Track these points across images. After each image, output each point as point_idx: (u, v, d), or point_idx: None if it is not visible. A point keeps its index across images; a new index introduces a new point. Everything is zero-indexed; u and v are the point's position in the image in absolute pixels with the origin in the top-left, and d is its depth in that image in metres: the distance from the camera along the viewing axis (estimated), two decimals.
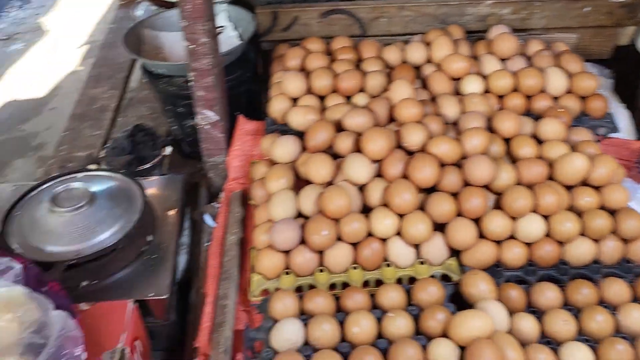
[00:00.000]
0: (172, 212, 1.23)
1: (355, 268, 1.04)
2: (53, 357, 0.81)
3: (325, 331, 0.91)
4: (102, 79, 1.88)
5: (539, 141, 1.19)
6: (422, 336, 0.91)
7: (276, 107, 1.28)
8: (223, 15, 1.61)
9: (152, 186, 1.29)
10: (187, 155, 1.56)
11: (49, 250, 1.06)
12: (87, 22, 3.76)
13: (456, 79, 1.33)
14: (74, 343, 0.85)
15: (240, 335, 1.01)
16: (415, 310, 0.96)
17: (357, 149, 1.13)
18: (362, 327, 0.92)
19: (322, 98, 1.30)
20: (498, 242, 1.05)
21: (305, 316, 0.96)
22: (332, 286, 1.04)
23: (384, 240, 1.06)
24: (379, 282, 1.05)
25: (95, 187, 1.15)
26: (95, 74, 1.92)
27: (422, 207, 1.07)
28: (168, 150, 1.52)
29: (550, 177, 1.12)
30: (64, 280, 0.99)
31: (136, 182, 1.19)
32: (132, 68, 1.97)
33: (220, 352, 0.93)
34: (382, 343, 0.90)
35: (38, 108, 3.31)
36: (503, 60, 1.39)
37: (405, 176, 1.09)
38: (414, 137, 1.12)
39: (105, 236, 1.08)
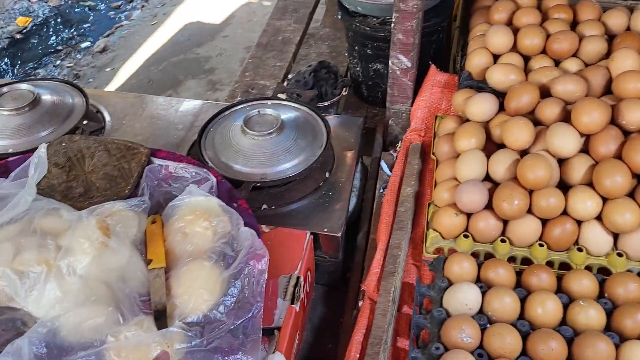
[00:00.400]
0: (349, 153, 1.22)
1: (541, 245, 0.96)
2: (240, 270, 0.85)
3: (505, 304, 0.86)
4: (287, 12, 1.90)
5: None
6: (614, 334, 0.82)
7: (475, 61, 1.20)
8: None
9: (332, 124, 1.28)
10: (364, 98, 1.54)
11: (237, 169, 1.10)
12: None
13: None
14: (259, 261, 0.88)
15: (407, 288, 0.99)
16: (608, 304, 0.87)
17: (564, 118, 1.03)
18: (546, 308, 0.85)
19: (527, 58, 1.19)
20: None
21: (482, 284, 0.91)
22: (510, 259, 0.98)
23: (578, 222, 0.97)
24: (563, 266, 0.96)
25: (285, 116, 1.17)
26: (281, 7, 1.95)
27: (632, 194, 0.95)
28: (346, 91, 1.51)
29: None
30: (247, 201, 1.03)
31: (322, 118, 1.19)
32: (316, 5, 1.98)
33: (388, 301, 0.92)
34: (567, 331, 0.83)
35: (212, 34, 3.50)
36: None
37: (617, 157, 0.97)
38: (635, 115, 0.99)
39: (289, 165, 1.11)
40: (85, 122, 1.21)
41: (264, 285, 0.83)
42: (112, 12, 3.79)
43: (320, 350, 1.03)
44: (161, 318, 0.77)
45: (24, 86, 1.23)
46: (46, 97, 1.23)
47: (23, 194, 0.89)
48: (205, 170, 1.00)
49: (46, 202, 0.91)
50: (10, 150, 1.13)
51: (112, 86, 3.15)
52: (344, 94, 1.47)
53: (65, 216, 0.89)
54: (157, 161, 1.04)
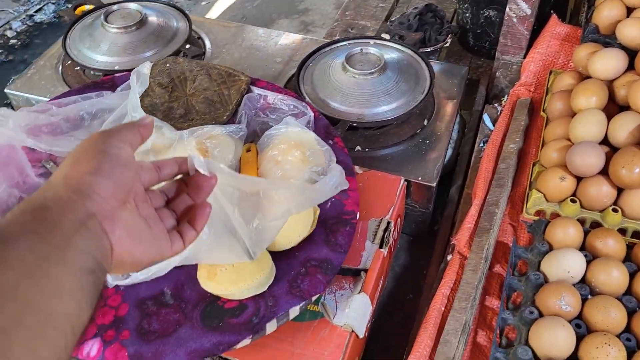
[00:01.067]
0: (451, 103, 1.16)
1: None
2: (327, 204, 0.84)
3: (612, 277, 0.80)
4: None
5: None
6: None
7: (605, 13, 1.09)
8: None
9: (435, 71, 1.22)
10: (469, 47, 1.45)
11: (334, 107, 1.08)
12: None
13: None
14: (349, 200, 0.86)
15: (501, 247, 0.94)
16: None
17: None
18: None
19: None
20: None
21: (586, 253, 0.85)
22: (620, 231, 0.90)
23: None
24: None
25: (388, 57, 1.12)
26: None
27: None
28: (450, 38, 1.43)
29: None
30: (342, 140, 1.01)
31: (427, 63, 1.13)
32: None
33: (480, 258, 0.88)
34: None
35: None
36: None
37: None
38: None
39: (388, 108, 1.07)
40: (187, 46, 1.22)
41: (352, 225, 0.82)
42: None
43: (400, 299, 1.02)
44: None
45: (132, 6, 1.25)
46: (152, 18, 1.24)
47: (129, 110, 0.90)
48: (303, 104, 0.98)
49: None
50: (116, 67, 1.16)
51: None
52: (448, 40, 1.39)
53: (167, 134, 0.90)
54: (256, 90, 1.03)
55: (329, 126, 0.97)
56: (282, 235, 0.78)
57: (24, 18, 3.66)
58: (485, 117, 1.15)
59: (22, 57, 3.33)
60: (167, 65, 1.06)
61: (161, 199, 0.58)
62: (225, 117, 0.99)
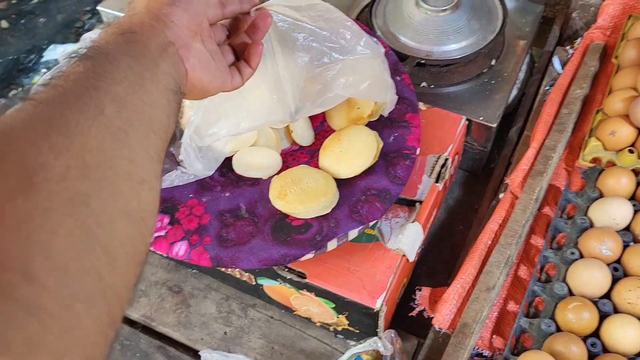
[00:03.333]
0: (521, 43, 1.16)
1: None
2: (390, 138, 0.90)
3: None
4: None
5: None
6: None
7: None
8: None
9: (509, 8, 1.21)
10: None
11: (403, 42, 1.11)
12: None
13: None
14: (411, 135, 0.92)
15: (553, 190, 0.99)
16: None
17: None
18: None
19: None
20: None
21: (636, 203, 0.88)
22: None
23: None
24: None
25: None
26: None
27: None
28: None
29: None
30: (409, 76, 1.05)
31: (501, 1, 1.13)
32: None
33: (531, 199, 0.93)
34: None
35: None
36: None
37: None
38: None
39: (457, 46, 1.09)
40: None
41: (412, 159, 0.88)
42: None
43: (450, 230, 1.09)
44: None
45: None
46: None
47: None
48: (375, 39, 1.02)
49: None
50: None
51: None
52: None
53: None
54: None
55: (397, 62, 1.02)
56: (347, 164, 0.85)
57: None
58: (555, 60, 1.15)
59: None
60: None
61: (223, 34, 0.67)
62: None
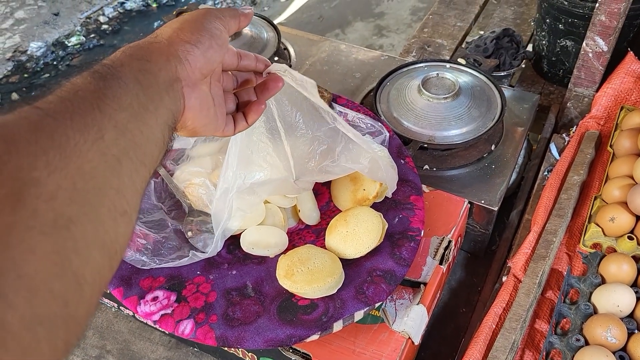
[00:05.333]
0: (519, 130, 1.21)
1: None
2: (395, 219, 0.92)
3: None
4: None
5: None
6: None
7: None
8: None
9: (506, 96, 1.27)
10: (543, 73, 1.48)
11: (406, 126, 1.15)
12: None
13: None
14: (415, 217, 0.94)
15: (555, 275, 1.00)
16: None
17: None
18: None
19: None
20: None
21: (637, 289, 0.89)
22: None
23: None
24: None
25: (462, 82, 1.18)
26: None
27: None
28: (524, 63, 1.47)
29: None
30: (412, 159, 1.09)
31: (500, 90, 1.19)
32: None
33: (534, 283, 0.94)
34: None
35: None
36: None
37: None
38: None
39: (458, 132, 1.13)
40: (276, 58, 1.32)
41: (417, 241, 0.89)
42: None
43: (454, 311, 1.09)
44: None
45: None
46: (246, 30, 1.36)
47: None
48: (380, 124, 1.06)
49: None
50: None
51: (284, 17, 3.30)
52: (522, 66, 1.44)
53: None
54: (337, 107, 1.12)
55: (401, 146, 1.06)
56: (353, 245, 0.87)
57: (116, 5, 3.90)
58: (552, 147, 1.20)
59: (112, 42, 3.57)
60: None
61: (232, 82, 0.69)
62: None
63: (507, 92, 1.29)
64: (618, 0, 1.08)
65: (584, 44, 1.17)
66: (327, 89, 1.14)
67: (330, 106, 1.12)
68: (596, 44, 1.16)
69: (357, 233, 0.87)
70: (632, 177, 1.01)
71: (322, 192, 1.02)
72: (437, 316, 1.07)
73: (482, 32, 1.56)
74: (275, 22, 1.40)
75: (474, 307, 1.05)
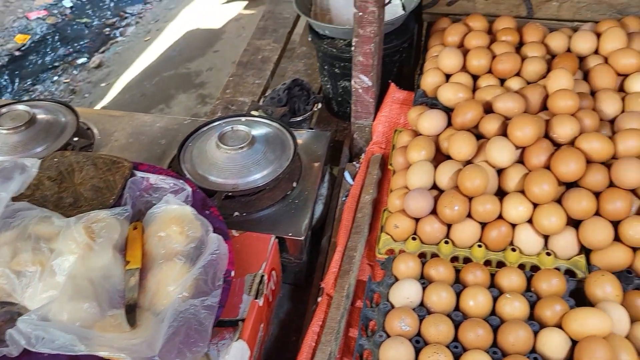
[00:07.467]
0: (316, 165, 1.34)
1: (479, 246, 1.08)
2: (205, 269, 0.97)
3: (441, 297, 0.98)
4: (268, 32, 2.03)
5: None
6: (535, 322, 0.94)
7: (429, 80, 1.32)
8: None
9: (301, 138, 1.41)
10: (335, 113, 1.66)
11: (212, 180, 1.22)
12: None
13: (623, 76, 1.27)
14: (223, 262, 1.00)
15: (362, 285, 1.11)
16: (533, 297, 0.98)
17: (503, 132, 1.15)
18: (477, 301, 0.97)
19: (475, 77, 1.32)
20: (634, 249, 1.03)
21: (424, 280, 1.03)
22: (454, 259, 1.10)
23: (513, 225, 1.08)
24: (500, 264, 1.08)
25: (256, 132, 1.29)
26: (262, 27, 2.08)
27: (559, 200, 1.07)
28: (318, 106, 1.63)
29: None
30: (220, 208, 1.15)
31: (290, 133, 1.31)
32: (295, 24, 2.11)
33: (342, 296, 1.04)
34: (495, 320, 0.95)
35: (203, 49, 3.64)
36: None
37: (547, 167, 1.09)
38: (564, 130, 1.11)
39: (259, 176, 1.22)
40: (76, 138, 1.33)
41: (228, 282, 0.95)
42: (107, 29, 3.93)
43: (285, 343, 1.15)
44: (132, 312, 0.89)
45: (21, 107, 1.35)
46: (41, 116, 1.36)
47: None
48: (181, 181, 1.12)
49: (39, 211, 1.03)
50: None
51: (107, 101, 3.28)
52: (316, 109, 1.59)
53: (56, 223, 1.00)
54: (139, 174, 1.16)
55: (205, 198, 1.12)
56: (162, 296, 0.90)
57: None
58: (346, 174, 1.34)
59: None
60: (55, 159, 1.17)
61: None
62: (111, 201, 1.11)
63: (303, 134, 1.42)
64: (367, 42, 1.27)
65: (352, 82, 1.35)
66: (128, 159, 1.17)
67: (132, 174, 1.16)
68: (362, 81, 1.34)
69: (161, 280, 0.91)
70: (407, 187, 1.17)
71: None
72: (269, 350, 1.12)
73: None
74: (98, 106, 1.42)
75: (302, 333, 1.12)
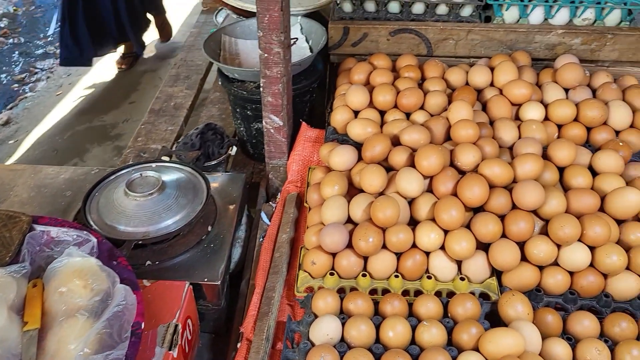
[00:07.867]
0: (232, 207, 1.32)
1: (396, 276, 1.08)
2: (110, 322, 0.91)
3: (361, 331, 0.97)
4: (180, 79, 2.02)
5: (595, 173, 1.20)
6: (453, 347, 0.94)
7: (338, 117, 1.35)
8: (297, 27, 1.71)
9: (216, 181, 1.38)
10: (251, 155, 1.65)
11: (121, 229, 1.17)
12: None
13: (517, 105, 1.36)
14: (131, 314, 0.94)
15: (282, 326, 1.08)
16: (450, 322, 0.99)
17: (411, 163, 1.18)
18: (396, 331, 0.96)
19: (383, 112, 1.36)
20: (541, 267, 1.07)
21: (344, 315, 1.01)
22: (373, 291, 1.09)
23: (427, 253, 1.10)
24: (418, 293, 1.09)
25: (166, 177, 1.25)
26: (174, 74, 2.06)
27: (468, 226, 1.11)
28: (234, 149, 1.62)
29: (603, 210, 1.12)
30: (131, 258, 1.10)
31: (202, 176, 1.29)
32: (208, 71, 2.11)
33: (262, 339, 1.00)
34: (414, 349, 0.95)
35: (119, 101, 3.55)
36: (567, 90, 1.40)
37: (454, 194, 1.12)
38: (467, 157, 1.16)
39: (171, 222, 1.18)
40: None
41: (137, 335, 0.89)
42: (16, 85, 3.77)
43: None
44: None
45: None
46: None
47: None
48: (85, 232, 1.06)
49: None
50: None
51: (14, 158, 3.11)
52: (231, 152, 1.58)
53: None
54: (38, 228, 1.09)
55: (112, 248, 1.06)
56: (62, 356, 0.83)
57: None
58: (262, 215, 1.32)
59: None
60: None
61: None
62: (7, 259, 1.03)
63: (217, 177, 1.40)
64: (275, 83, 1.28)
65: (264, 122, 1.35)
66: (27, 213, 1.10)
67: (31, 229, 1.09)
68: (273, 121, 1.34)
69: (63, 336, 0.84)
70: (322, 223, 1.16)
71: None
72: None
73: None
74: (7, 163, 1.33)
75: None
